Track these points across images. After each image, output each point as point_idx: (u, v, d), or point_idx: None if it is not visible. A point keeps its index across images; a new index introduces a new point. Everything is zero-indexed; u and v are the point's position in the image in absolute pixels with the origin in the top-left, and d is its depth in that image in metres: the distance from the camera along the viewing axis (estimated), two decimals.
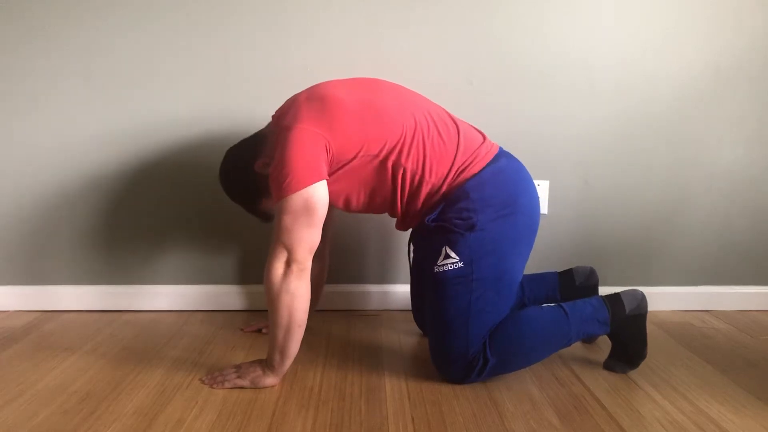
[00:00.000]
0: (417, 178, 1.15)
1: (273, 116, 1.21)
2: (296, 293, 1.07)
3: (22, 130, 1.51)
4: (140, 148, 1.54)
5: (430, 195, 1.17)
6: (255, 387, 1.14)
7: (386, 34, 1.50)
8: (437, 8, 1.49)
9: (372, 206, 1.23)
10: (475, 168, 1.16)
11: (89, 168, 1.54)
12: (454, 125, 1.19)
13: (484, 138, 1.23)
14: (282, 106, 1.20)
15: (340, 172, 1.13)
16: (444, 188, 1.16)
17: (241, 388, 1.14)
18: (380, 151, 1.12)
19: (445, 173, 1.15)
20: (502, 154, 1.22)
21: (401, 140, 1.12)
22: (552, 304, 1.22)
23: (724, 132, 1.60)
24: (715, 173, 1.63)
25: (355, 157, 1.11)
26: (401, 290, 1.64)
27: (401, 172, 1.14)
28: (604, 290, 1.34)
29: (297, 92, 1.22)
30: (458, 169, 1.15)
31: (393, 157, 1.13)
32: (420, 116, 1.16)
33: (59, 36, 1.46)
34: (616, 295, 1.21)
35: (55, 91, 1.49)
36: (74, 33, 1.46)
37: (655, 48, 1.54)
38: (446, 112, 1.23)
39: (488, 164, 1.17)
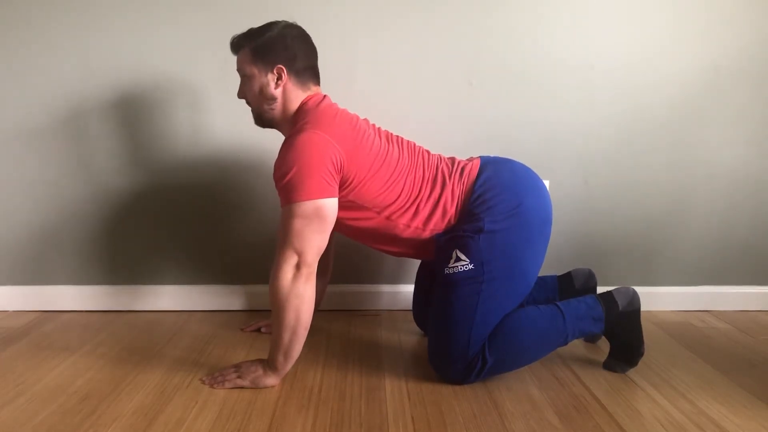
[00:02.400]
0: (412, 230, 1.18)
1: (315, 92, 1.19)
2: (304, 296, 1.07)
3: (21, 131, 1.51)
4: (141, 149, 1.53)
5: (430, 233, 1.19)
6: (255, 387, 1.14)
7: (386, 34, 1.50)
8: (437, 8, 1.49)
9: (359, 236, 1.24)
10: (466, 188, 1.18)
11: (90, 168, 1.54)
12: (442, 180, 1.19)
13: (463, 165, 1.22)
14: (322, 98, 1.17)
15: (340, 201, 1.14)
16: (451, 224, 1.18)
17: (242, 388, 1.14)
18: (374, 205, 1.15)
19: (443, 223, 1.18)
20: (486, 164, 1.22)
21: (397, 201, 1.16)
22: (548, 304, 1.22)
23: (723, 132, 1.60)
24: (714, 173, 1.63)
25: (350, 200, 1.14)
26: (404, 290, 1.64)
27: (397, 226, 1.18)
28: (603, 290, 1.34)
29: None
30: (456, 208, 1.18)
31: (386, 213, 1.16)
32: (419, 176, 1.18)
33: (60, 36, 1.46)
34: (609, 293, 1.22)
35: (54, 91, 1.49)
36: (76, 35, 1.46)
37: (655, 48, 1.54)
38: (442, 159, 1.24)
39: (474, 182, 1.18)
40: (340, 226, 1.19)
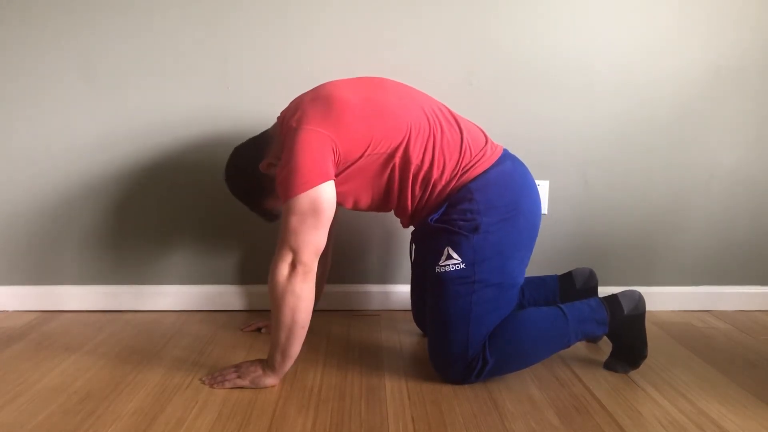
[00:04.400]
0: (422, 173, 1.15)
1: (279, 117, 1.21)
2: (301, 295, 1.07)
3: (22, 131, 1.51)
4: (140, 149, 1.54)
5: (434, 191, 1.16)
6: (255, 387, 1.14)
7: (386, 34, 1.50)
8: (437, 8, 1.49)
9: (380, 205, 1.23)
10: (479, 169, 1.16)
11: (90, 168, 1.54)
12: (457, 125, 1.19)
13: (487, 139, 1.23)
14: (288, 106, 1.20)
15: (348, 171, 1.13)
16: (449, 187, 1.16)
17: (242, 388, 1.14)
18: (386, 148, 1.12)
19: (450, 171, 1.15)
20: (507, 157, 1.22)
21: (407, 137, 1.12)
22: (550, 306, 1.22)
23: (724, 132, 1.60)
24: (715, 173, 1.63)
25: (361, 156, 1.11)
26: (403, 290, 1.64)
27: (409, 168, 1.14)
28: (604, 290, 1.34)
29: (299, 92, 1.22)
30: (463, 167, 1.15)
31: (399, 154, 1.13)
32: (426, 114, 1.16)
33: (60, 36, 1.46)
34: (614, 296, 1.22)
35: (55, 92, 1.49)
36: (75, 33, 1.46)
37: (656, 49, 1.54)
38: (449, 110, 1.23)
39: (492, 166, 1.17)
40: (346, 195, 1.17)
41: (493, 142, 1.23)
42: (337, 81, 1.19)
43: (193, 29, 1.47)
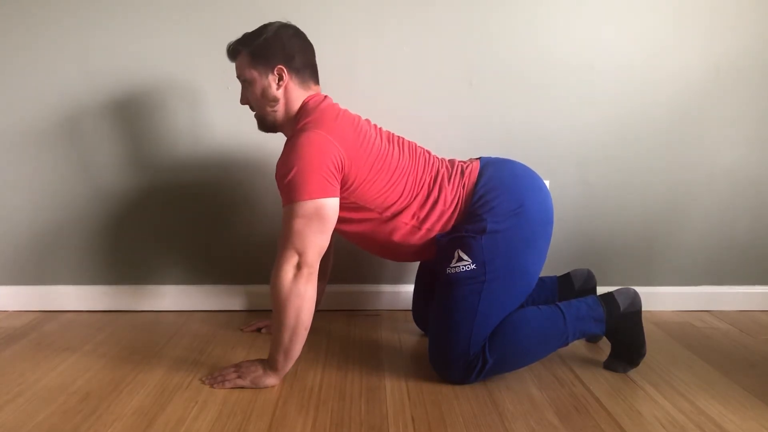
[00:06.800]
0: (411, 230, 1.18)
1: (316, 92, 1.19)
2: (305, 296, 1.07)
3: (19, 131, 1.51)
4: (141, 149, 1.54)
5: (430, 234, 1.19)
6: (255, 387, 1.14)
7: (386, 34, 1.50)
8: (438, 9, 1.49)
9: (360, 239, 1.24)
10: (468, 190, 1.18)
11: (90, 169, 1.54)
12: (442, 177, 1.19)
13: (463, 168, 1.22)
14: (319, 96, 1.18)
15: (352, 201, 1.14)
16: (451, 221, 1.18)
17: (242, 388, 1.14)
18: (375, 206, 1.15)
19: (443, 223, 1.18)
20: (487, 165, 1.22)
21: (398, 201, 1.16)
22: (549, 305, 1.22)
23: (724, 133, 1.60)
24: (715, 174, 1.63)
25: (352, 201, 1.14)
26: (408, 290, 1.64)
27: (397, 227, 1.17)
28: (604, 291, 1.34)
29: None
30: (457, 208, 1.18)
31: (388, 214, 1.16)
32: (419, 176, 1.18)
33: (60, 38, 1.46)
34: (610, 294, 1.22)
35: (54, 93, 1.49)
36: (75, 35, 1.46)
37: (656, 49, 1.54)
38: (443, 161, 1.25)
39: (476, 183, 1.18)
40: (341, 228, 1.19)
41: (465, 163, 1.24)
42: (368, 120, 1.22)
43: (193, 30, 1.47)
